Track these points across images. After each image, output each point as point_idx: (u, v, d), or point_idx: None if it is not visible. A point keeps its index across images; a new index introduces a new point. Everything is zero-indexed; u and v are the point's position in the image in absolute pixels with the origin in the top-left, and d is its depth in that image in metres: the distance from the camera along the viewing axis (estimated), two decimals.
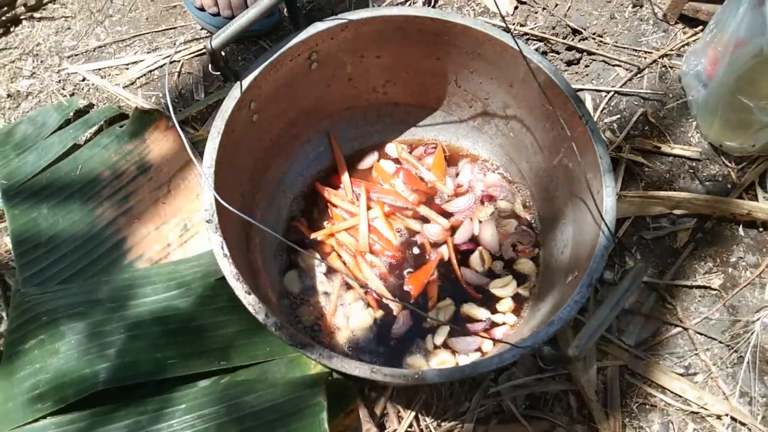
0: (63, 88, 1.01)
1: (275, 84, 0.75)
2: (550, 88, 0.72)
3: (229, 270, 0.61)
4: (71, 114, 0.96)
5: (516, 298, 0.80)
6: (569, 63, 1.00)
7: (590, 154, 0.69)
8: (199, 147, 0.92)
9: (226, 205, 0.57)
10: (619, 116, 0.95)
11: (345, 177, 0.89)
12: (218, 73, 0.68)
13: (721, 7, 0.89)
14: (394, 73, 0.85)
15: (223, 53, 0.67)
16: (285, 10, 0.71)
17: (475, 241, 0.85)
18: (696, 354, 0.79)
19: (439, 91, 0.87)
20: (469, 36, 0.76)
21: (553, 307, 0.72)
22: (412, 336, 0.78)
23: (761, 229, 0.86)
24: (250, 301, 0.60)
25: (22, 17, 1.09)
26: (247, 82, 0.70)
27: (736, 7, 0.85)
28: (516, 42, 0.68)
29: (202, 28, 1.05)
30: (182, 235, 0.86)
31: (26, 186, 0.90)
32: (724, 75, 0.84)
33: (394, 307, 0.80)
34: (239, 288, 0.60)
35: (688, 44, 1.00)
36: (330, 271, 0.83)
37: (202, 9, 1.02)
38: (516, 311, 0.80)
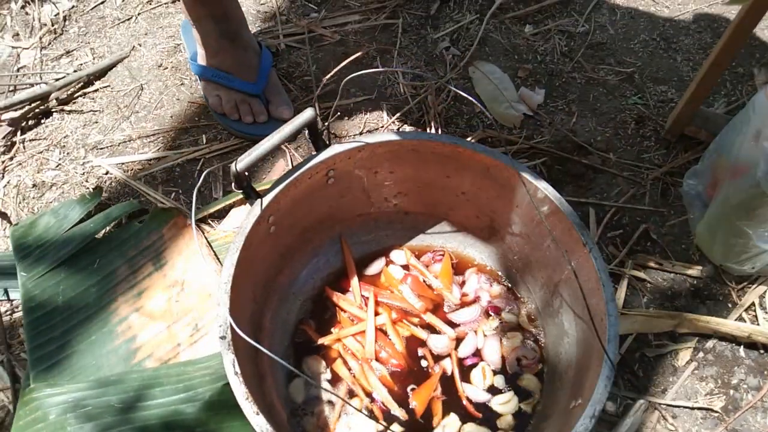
0: (86, 180, 1.05)
1: (293, 198, 0.79)
2: (555, 214, 0.75)
3: (239, 390, 0.62)
4: (92, 208, 1.00)
5: (518, 414, 0.81)
6: (574, 176, 1.04)
7: (593, 281, 0.71)
8: (214, 245, 0.96)
9: (240, 333, 0.59)
10: (621, 231, 0.98)
11: (354, 281, 0.91)
12: (241, 191, 0.72)
13: (721, 133, 0.93)
14: (406, 186, 0.89)
15: (246, 173, 0.71)
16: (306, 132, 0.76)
17: (479, 354, 0.86)
18: None
19: (448, 203, 0.91)
20: (478, 160, 0.80)
21: (557, 429, 0.73)
22: None
23: (762, 351, 0.87)
24: (258, 422, 0.61)
25: (53, 110, 1.15)
26: (267, 200, 0.74)
27: (735, 135, 0.89)
28: (521, 175, 0.72)
29: (224, 130, 1.10)
30: (192, 335, 0.87)
31: (44, 278, 0.93)
32: (722, 200, 0.88)
33: (400, 415, 0.81)
34: (249, 409, 0.61)
35: (689, 163, 1.04)
36: (335, 378, 0.85)
37: (223, 114, 1.08)
38: (522, 426, 0.80)
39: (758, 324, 0.89)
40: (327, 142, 0.79)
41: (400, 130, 1.11)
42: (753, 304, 0.91)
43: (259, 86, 1.09)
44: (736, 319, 0.89)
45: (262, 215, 0.74)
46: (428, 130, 1.09)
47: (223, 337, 0.65)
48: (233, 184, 0.71)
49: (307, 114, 0.74)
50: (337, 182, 0.83)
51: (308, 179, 0.79)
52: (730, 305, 0.91)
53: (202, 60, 1.10)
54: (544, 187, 0.76)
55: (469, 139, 1.09)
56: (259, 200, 0.73)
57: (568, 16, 1.27)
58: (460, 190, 0.88)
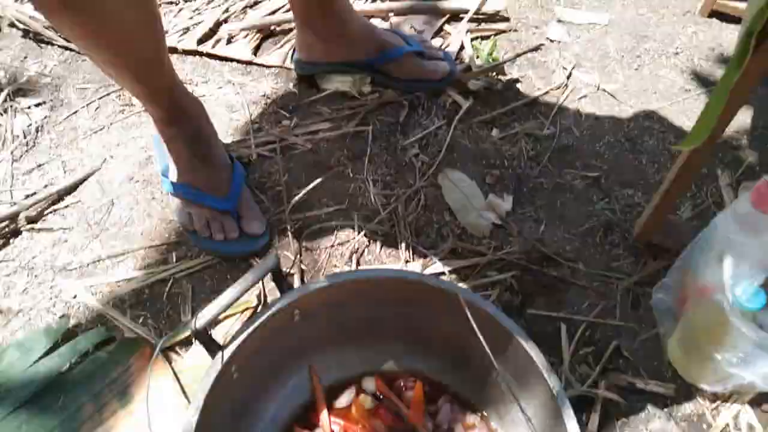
0: (54, 306, 1.04)
1: (257, 343, 0.78)
2: (520, 352, 0.75)
3: None
4: (59, 337, 0.98)
5: None
6: (545, 287, 1.04)
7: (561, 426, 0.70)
8: (181, 376, 0.94)
9: None
10: (594, 347, 0.97)
11: (323, 416, 0.89)
12: (202, 345, 0.71)
13: (686, 250, 0.94)
14: (376, 317, 0.89)
15: (206, 329, 0.70)
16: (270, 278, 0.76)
17: None
18: None
19: (419, 331, 0.90)
20: (443, 294, 0.80)
21: None
22: None
23: None
24: None
25: (22, 229, 1.14)
26: (229, 352, 0.73)
27: (699, 254, 0.90)
28: (477, 332, 0.72)
29: (195, 246, 1.10)
30: None
31: (4, 422, 0.90)
32: (690, 321, 0.88)
33: None
34: None
35: (659, 271, 1.05)
36: None
37: (194, 232, 1.08)
38: None
39: None
40: (291, 284, 0.78)
41: (369, 242, 1.11)
42: (727, 425, 0.90)
43: (230, 202, 1.09)
44: None
45: (225, 368, 0.72)
46: (399, 244, 1.09)
47: None
48: (193, 338, 0.70)
49: (270, 261, 0.74)
50: (304, 319, 0.83)
51: (272, 318, 0.78)
52: (705, 426, 0.90)
53: (173, 176, 1.11)
54: (511, 326, 0.76)
55: (439, 250, 1.09)
56: (221, 353, 0.72)
57: (534, 118, 1.30)
58: (425, 317, 0.88)
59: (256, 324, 0.75)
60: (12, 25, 1.54)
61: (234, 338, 0.74)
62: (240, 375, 0.78)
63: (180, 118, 1.08)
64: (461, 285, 1.02)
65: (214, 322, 0.69)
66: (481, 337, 0.77)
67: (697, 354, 0.88)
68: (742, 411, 0.91)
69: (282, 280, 0.78)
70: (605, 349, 0.97)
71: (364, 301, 0.85)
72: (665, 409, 0.92)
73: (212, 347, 0.72)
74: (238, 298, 0.71)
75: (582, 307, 1.02)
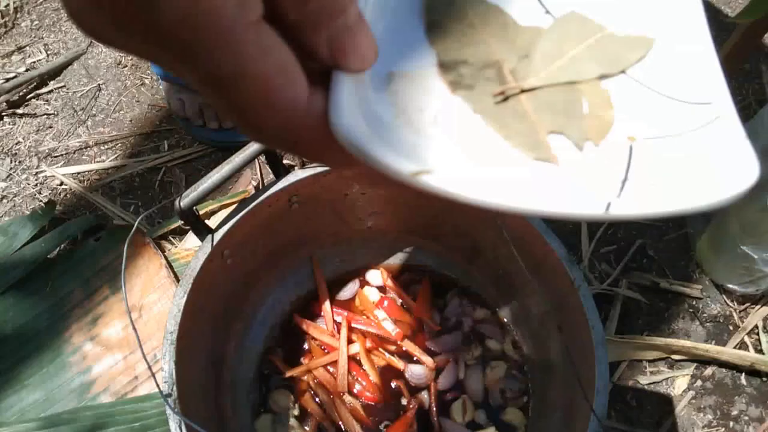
0: (39, 193, 0.98)
1: (251, 229, 0.71)
2: (540, 243, 0.68)
3: None
4: (45, 224, 0.93)
5: None
6: None
7: (581, 322, 0.64)
8: (175, 265, 0.88)
9: (194, 425, 0.53)
10: (615, 246, 0.90)
11: (326, 306, 0.84)
12: (189, 227, 0.65)
13: None
14: (381, 205, 0.81)
15: (194, 209, 0.63)
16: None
17: (460, 385, 0.80)
18: None
19: (427, 223, 0.83)
20: None
21: None
22: None
23: (765, 379, 0.81)
24: None
25: (3, 114, 1.06)
26: (219, 235, 0.66)
27: None
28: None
29: (187, 135, 1.02)
30: (152, 366, 0.81)
31: None
32: (727, 219, 0.81)
33: None
34: None
35: None
36: (304, 413, 0.78)
37: (187, 119, 0.99)
38: None
39: (761, 350, 0.82)
40: (287, 168, 0.71)
41: None
42: (756, 327, 0.84)
43: None
44: (737, 344, 0.83)
45: (214, 251, 0.66)
46: None
47: (168, 395, 0.59)
48: (180, 220, 0.64)
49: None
50: (302, 207, 0.76)
51: (268, 207, 0.71)
52: (731, 328, 0.85)
53: None
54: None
55: None
56: (210, 236, 0.66)
57: None
58: (438, 208, 0.80)
59: (249, 207, 0.68)
60: None
61: (225, 221, 0.67)
62: (234, 261, 0.72)
63: None
64: None
65: (200, 201, 0.62)
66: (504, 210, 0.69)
67: (730, 253, 0.81)
68: None
69: (279, 164, 0.70)
70: (628, 248, 0.90)
71: (368, 189, 0.78)
72: (690, 310, 0.86)
73: (200, 228, 0.65)
74: (227, 179, 0.63)
75: None
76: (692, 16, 0.27)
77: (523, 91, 0.25)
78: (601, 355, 0.61)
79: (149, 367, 0.56)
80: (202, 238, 0.65)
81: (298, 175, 0.69)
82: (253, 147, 0.64)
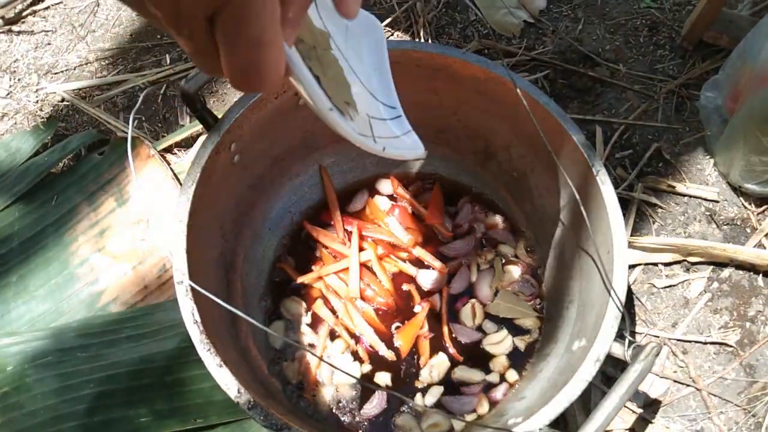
0: (41, 109, 0.96)
1: (259, 123, 0.69)
2: (558, 133, 0.66)
3: (199, 341, 0.56)
4: (48, 139, 0.91)
5: (513, 355, 0.74)
6: (579, 90, 0.94)
7: (599, 208, 0.63)
8: (181, 176, 0.87)
9: (201, 290, 0.52)
10: (631, 151, 0.88)
11: (336, 214, 0.83)
12: (195, 114, 0.63)
13: (745, 38, 0.82)
14: None
15: (199, 95, 0.61)
16: None
17: (472, 289, 0.79)
18: (709, 417, 0.73)
19: (438, 124, 0.81)
20: (470, 73, 0.70)
21: (558, 370, 0.66)
22: (403, 394, 0.73)
23: None
24: (221, 377, 0.54)
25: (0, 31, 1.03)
26: (226, 125, 0.64)
27: (763, 39, 0.78)
28: (516, 84, 0.62)
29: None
30: (160, 276, 0.80)
31: None
32: (746, 114, 0.78)
33: (388, 356, 0.75)
34: (211, 362, 0.55)
35: (707, 73, 0.93)
36: (316, 320, 0.78)
37: None
38: (518, 367, 0.74)
39: None
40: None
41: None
42: None
43: None
44: (755, 246, 0.82)
45: (222, 142, 0.64)
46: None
47: (179, 282, 0.58)
48: (185, 106, 0.62)
49: None
50: None
51: (274, 99, 0.69)
52: (748, 230, 0.83)
53: None
54: (546, 102, 0.66)
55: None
56: (216, 125, 0.64)
57: None
58: (450, 108, 0.78)
59: (256, 98, 0.66)
60: None
61: (231, 111, 0.65)
62: (242, 160, 0.70)
63: None
64: None
65: (205, 83, 0.60)
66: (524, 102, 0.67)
67: (751, 150, 0.79)
68: None
69: None
70: (644, 152, 0.88)
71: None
72: (707, 213, 0.84)
73: (205, 116, 0.63)
74: None
75: (620, 110, 0.92)
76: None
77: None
78: (619, 239, 0.60)
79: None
80: (208, 126, 0.63)
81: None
82: None
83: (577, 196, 0.60)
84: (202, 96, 0.62)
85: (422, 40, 0.97)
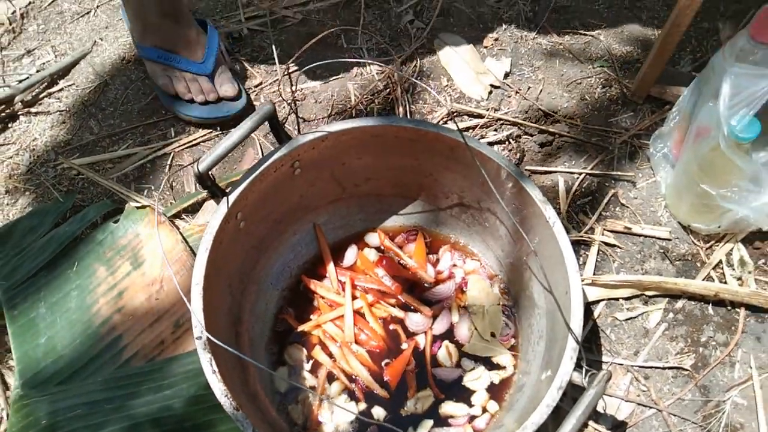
0: (59, 183, 1.06)
1: (260, 193, 0.79)
2: (519, 190, 0.77)
3: (217, 387, 0.64)
4: (67, 210, 1.00)
5: (492, 388, 0.83)
6: (542, 145, 1.05)
7: (557, 255, 0.73)
8: (190, 240, 0.97)
9: (219, 343, 0.61)
10: (591, 197, 0.99)
11: (330, 267, 0.93)
12: (205, 191, 0.73)
13: (683, 95, 0.94)
14: (375, 171, 0.90)
15: (210, 173, 0.71)
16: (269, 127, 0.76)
17: (452, 330, 0.88)
18: None
19: (418, 184, 0.92)
20: (441, 141, 0.81)
21: (530, 399, 0.76)
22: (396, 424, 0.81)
23: (729, 308, 0.90)
24: (238, 418, 0.63)
25: (19, 113, 1.14)
26: (233, 197, 0.74)
27: (696, 96, 0.90)
28: (473, 154, 0.73)
29: (176, 113, 1.09)
30: (174, 332, 0.89)
31: (25, 285, 0.94)
32: (686, 162, 0.89)
33: (381, 395, 0.83)
34: (228, 405, 0.63)
35: (656, 124, 1.05)
36: (316, 365, 0.87)
37: (174, 96, 1.07)
38: (498, 398, 0.83)
39: (725, 282, 0.91)
40: (289, 135, 0.79)
41: (368, 109, 1.11)
42: (720, 262, 0.93)
43: (207, 66, 1.07)
44: (704, 278, 0.92)
45: (230, 213, 0.74)
46: (396, 109, 1.09)
47: (198, 338, 0.67)
48: (197, 184, 0.72)
49: (266, 109, 0.75)
50: (304, 172, 0.84)
51: (274, 172, 0.79)
52: (698, 264, 0.93)
53: (139, 37, 1.09)
54: (506, 165, 0.77)
55: (436, 114, 1.09)
56: (225, 198, 0.74)
57: None
58: (428, 171, 0.89)
59: (257, 171, 0.76)
60: None
61: (237, 184, 0.75)
62: (247, 226, 0.81)
63: None
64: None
65: (215, 164, 0.70)
66: (485, 174, 0.78)
67: (693, 194, 0.90)
68: (734, 249, 0.94)
69: (280, 130, 0.78)
70: (602, 198, 0.99)
71: (364, 153, 0.86)
72: (660, 251, 0.94)
73: (215, 191, 0.73)
74: (237, 144, 0.72)
75: (580, 161, 1.03)
76: None
77: None
78: (575, 282, 0.70)
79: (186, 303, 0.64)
80: (218, 200, 0.74)
81: (298, 140, 0.78)
82: (259, 114, 0.72)
83: (532, 247, 0.71)
84: (212, 174, 0.72)
85: (400, 109, 1.08)
